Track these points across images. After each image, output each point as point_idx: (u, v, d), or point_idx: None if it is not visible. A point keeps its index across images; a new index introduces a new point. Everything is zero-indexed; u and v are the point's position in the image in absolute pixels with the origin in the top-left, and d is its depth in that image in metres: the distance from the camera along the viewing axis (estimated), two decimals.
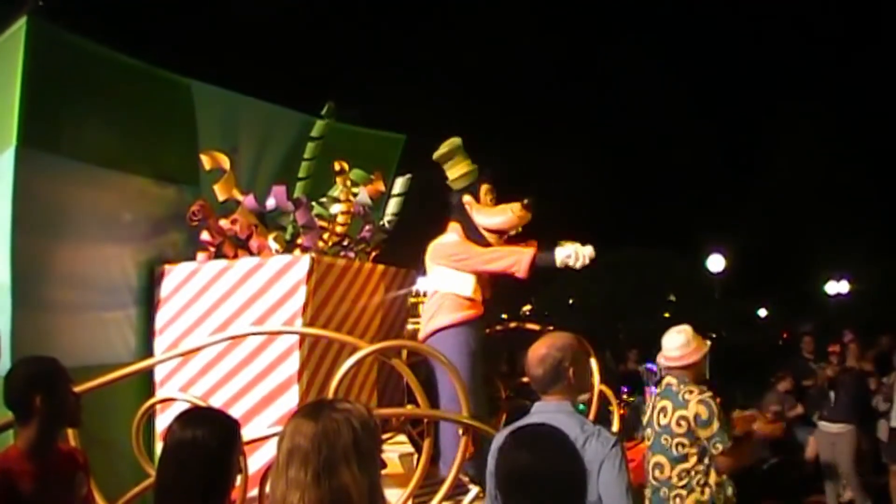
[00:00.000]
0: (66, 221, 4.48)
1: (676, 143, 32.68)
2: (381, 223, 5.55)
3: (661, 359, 4.73)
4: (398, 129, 6.88)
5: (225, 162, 4.98)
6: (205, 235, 4.98)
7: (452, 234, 4.94)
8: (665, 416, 4.41)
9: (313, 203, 5.17)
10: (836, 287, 32.24)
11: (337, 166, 5.22)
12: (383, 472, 4.44)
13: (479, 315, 4.84)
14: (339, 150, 5.36)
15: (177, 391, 4.53)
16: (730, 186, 33.06)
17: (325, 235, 5.10)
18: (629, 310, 26.47)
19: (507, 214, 4.83)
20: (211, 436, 2.37)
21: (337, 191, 5.24)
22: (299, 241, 4.91)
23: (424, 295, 5.33)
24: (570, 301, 29.83)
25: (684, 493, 4.33)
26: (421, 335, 4.90)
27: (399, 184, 5.68)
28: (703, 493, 4.30)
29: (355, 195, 5.22)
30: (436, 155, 5.02)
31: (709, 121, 33.57)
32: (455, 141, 5.01)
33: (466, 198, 4.94)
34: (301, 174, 5.31)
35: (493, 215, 4.86)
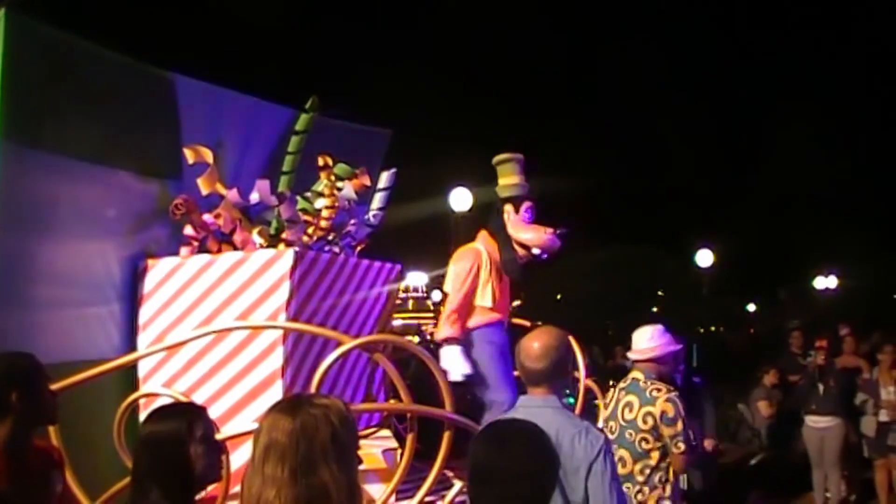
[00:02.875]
0: (47, 216, 4.41)
1: (666, 139, 32.77)
2: (367, 217, 5.53)
3: (630, 353, 4.82)
4: (384, 123, 6.85)
5: (208, 156, 4.94)
6: (188, 230, 4.94)
7: (480, 242, 5.09)
8: (631, 411, 4.42)
9: (298, 197, 5.14)
10: (825, 282, 32.36)
11: (321, 161, 5.20)
12: (366, 466, 4.44)
13: (500, 319, 5.02)
14: (324, 145, 5.33)
15: (159, 386, 4.50)
16: (718, 182, 33.23)
17: (310, 230, 5.08)
18: (618, 305, 26.50)
19: (539, 234, 4.99)
20: (176, 428, 2.41)
21: (321, 185, 5.22)
22: (283, 235, 4.87)
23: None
24: (559, 297, 29.84)
25: (647, 489, 4.36)
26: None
27: (384, 178, 5.66)
28: (664, 489, 4.35)
29: (340, 190, 5.20)
30: (495, 160, 5.20)
31: (699, 118, 33.69)
32: (517, 155, 5.19)
33: (507, 206, 5.09)
34: (285, 168, 5.28)
35: (526, 230, 5.02)
